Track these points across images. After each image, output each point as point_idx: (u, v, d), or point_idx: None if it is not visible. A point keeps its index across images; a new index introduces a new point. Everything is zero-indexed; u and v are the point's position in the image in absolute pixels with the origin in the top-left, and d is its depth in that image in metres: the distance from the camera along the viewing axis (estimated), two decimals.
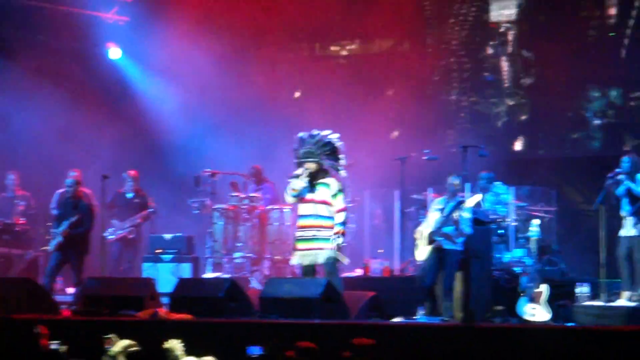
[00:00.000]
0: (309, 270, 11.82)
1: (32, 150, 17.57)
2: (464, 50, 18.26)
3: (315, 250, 11.70)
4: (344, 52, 19.65)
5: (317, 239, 11.71)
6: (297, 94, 19.45)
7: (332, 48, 19.78)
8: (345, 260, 11.91)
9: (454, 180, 12.56)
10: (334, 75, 18.77)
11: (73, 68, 18.38)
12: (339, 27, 19.03)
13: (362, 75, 18.79)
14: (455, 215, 12.32)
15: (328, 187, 11.76)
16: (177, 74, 18.68)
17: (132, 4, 18.89)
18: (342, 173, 11.87)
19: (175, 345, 8.54)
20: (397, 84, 18.46)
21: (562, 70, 17.05)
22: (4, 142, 17.39)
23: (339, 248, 11.69)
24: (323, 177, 11.80)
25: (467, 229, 12.35)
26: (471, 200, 12.60)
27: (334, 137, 11.92)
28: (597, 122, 17.11)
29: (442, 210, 12.51)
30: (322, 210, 11.74)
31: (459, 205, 12.35)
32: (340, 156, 11.90)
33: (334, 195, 11.74)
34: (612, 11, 17.05)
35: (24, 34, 18.21)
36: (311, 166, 11.79)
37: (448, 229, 12.37)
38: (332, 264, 11.70)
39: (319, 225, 11.73)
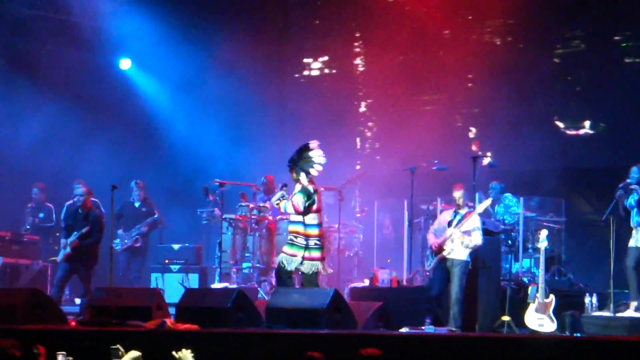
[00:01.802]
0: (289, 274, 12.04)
1: (43, 161, 17.61)
2: None
3: (289, 255, 11.92)
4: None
5: (292, 244, 11.93)
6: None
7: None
8: (323, 270, 12.03)
9: (455, 194, 12.59)
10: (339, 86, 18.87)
11: (84, 78, 18.43)
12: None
13: (372, 87, 18.81)
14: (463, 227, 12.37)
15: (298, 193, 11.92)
16: (188, 85, 18.71)
17: (143, 14, 18.93)
18: (313, 172, 11.91)
19: (185, 355, 8.49)
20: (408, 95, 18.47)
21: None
22: (22, 153, 17.46)
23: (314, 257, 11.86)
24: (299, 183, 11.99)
25: (475, 242, 12.41)
26: (481, 207, 12.62)
27: (312, 143, 12.00)
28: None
29: (450, 222, 12.53)
30: (294, 216, 11.97)
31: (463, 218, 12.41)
32: (314, 157, 11.92)
33: (294, 196, 11.91)
34: None
35: (34, 45, 18.30)
36: (292, 174, 11.97)
37: (457, 239, 12.38)
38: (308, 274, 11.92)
39: (293, 231, 11.97)
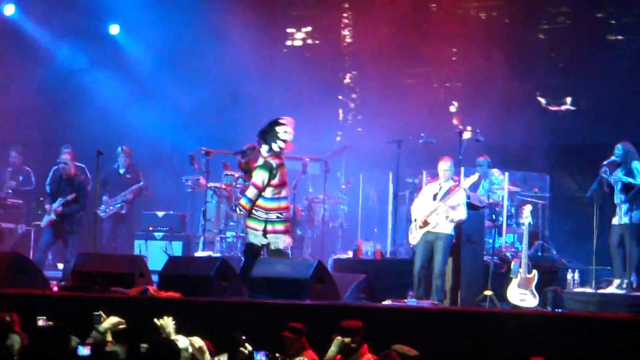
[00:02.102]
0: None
1: (27, 125, 17.57)
2: None
3: (252, 229, 12.00)
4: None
5: (252, 218, 11.99)
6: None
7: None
8: (280, 243, 11.97)
9: (443, 166, 12.58)
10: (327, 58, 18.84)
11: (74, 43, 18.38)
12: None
13: (361, 61, 18.79)
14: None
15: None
16: (176, 51, 18.60)
17: None
18: (275, 147, 11.90)
19: (167, 322, 8.52)
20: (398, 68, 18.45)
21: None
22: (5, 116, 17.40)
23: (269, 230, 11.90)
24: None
25: (460, 215, 12.45)
26: (467, 182, 12.64)
27: (284, 119, 12.03)
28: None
29: (435, 195, 12.53)
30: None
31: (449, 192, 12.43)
32: (279, 133, 11.92)
33: (255, 170, 11.97)
34: None
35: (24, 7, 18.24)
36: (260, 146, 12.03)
37: (442, 213, 12.41)
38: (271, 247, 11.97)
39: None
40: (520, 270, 12.45)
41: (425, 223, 12.45)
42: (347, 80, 19.15)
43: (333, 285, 11.22)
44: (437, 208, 12.41)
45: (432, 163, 13.28)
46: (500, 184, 15.04)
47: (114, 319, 8.88)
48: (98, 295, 10.86)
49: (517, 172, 15.59)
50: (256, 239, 11.92)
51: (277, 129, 11.89)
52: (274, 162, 11.90)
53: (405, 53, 18.05)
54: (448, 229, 12.41)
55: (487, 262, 13.32)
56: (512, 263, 12.69)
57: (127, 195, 16.06)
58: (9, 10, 18.37)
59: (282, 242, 11.90)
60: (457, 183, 12.71)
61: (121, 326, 8.87)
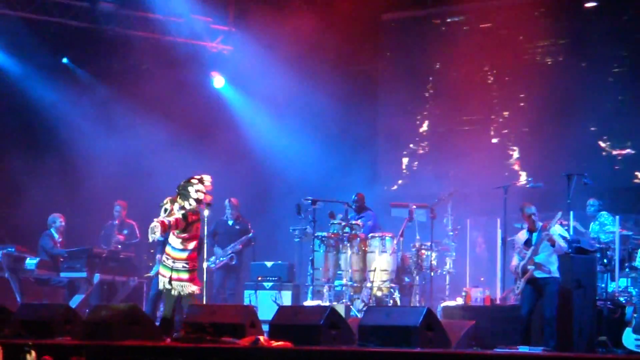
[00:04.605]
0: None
1: (139, 180, 17.90)
2: None
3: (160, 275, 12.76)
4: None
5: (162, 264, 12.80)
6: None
7: None
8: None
9: (528, 211, 12.49)
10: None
11: (179, 97, 18.72)
12: None
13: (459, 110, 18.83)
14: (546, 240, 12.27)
15: None
16: (279, 102, 18.86)
17: (236, 33, 19.20)
18: (186, 205, 12.52)
19: None
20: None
21: None
22: (114, 174, 17.79)
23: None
24: None
25: (563, 244, 12.30)
26: (553, 222, 12.52)
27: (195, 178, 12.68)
28: None
29: (528, 241, 12.46)
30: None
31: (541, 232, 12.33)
32: (191, 192, 12.56)
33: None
34: None
35: (131, 64, 18.64)
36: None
37: (539, 258, 12.30)
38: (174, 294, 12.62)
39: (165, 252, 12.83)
40: (635, 315, 12.20)
41: (525, 271, 12.38)
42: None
43: (443, 332, 11.16)
44: (533, 254, 12.32)
45: (540, 207, 13.15)
46: (612, 224, 14.78)
47: None
48: (209, 346, 10.96)
49: (629, 215, 15.32)
50: (160, 284, 12.66)
51: (189, 189, 12.54)
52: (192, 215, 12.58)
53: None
54: (553, 272, 12.28)
55: (600, 308, 13.08)
56: (626, 308, 12.45)
57: (236, 246, 16.28)
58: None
59: (186, 289, 12.51)
60: (545, 227, 12.56)
61: None
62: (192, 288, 12.52)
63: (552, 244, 12.24)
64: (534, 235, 12.46)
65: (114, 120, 18.46)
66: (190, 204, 12.48)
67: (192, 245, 12.56)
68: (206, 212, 13.37)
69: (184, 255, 12.53)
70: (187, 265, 12.53)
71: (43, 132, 18.52)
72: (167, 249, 12.70)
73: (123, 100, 18.42)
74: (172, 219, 12.42)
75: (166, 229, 12.37)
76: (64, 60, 18.92)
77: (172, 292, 12.55)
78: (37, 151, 18.04)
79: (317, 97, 18.29)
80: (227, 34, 19.33)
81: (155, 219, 12.46)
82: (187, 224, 12.45)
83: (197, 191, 12.51)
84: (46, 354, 9.31)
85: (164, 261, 12.66)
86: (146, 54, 18.52)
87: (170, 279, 12.54)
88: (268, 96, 18.87)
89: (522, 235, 12.70)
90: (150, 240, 12.61)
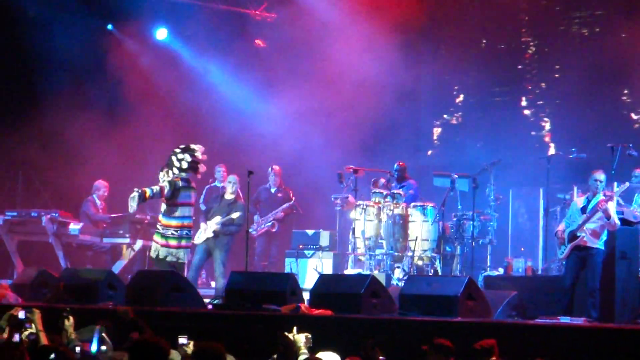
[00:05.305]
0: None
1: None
2: None
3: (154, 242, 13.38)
4: None
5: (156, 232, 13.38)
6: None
7: None
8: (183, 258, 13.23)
9: (598, 177, 12.31)
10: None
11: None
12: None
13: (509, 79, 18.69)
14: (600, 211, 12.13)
15: None
16: (323, 70, 18.77)
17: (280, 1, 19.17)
18: (170, 174, 13.07)
19: (299, 338, 8.34)
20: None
21: None
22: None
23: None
24: None
25: (617, 219, 12.15)
26: (618, 191, 12.40)
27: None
28: None
29: (584, 208, 12.30)
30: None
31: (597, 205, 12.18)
32: (174, 161, 13.15)
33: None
34: None
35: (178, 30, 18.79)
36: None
37: (592, 226, 12.17)
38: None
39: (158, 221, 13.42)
40: None
41: (574, 237, 12.25)
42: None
43: (484, 302, 11.14)
44: (585, 221, 12.18)
45: (583, 178, 13.04)
46: None
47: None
48: (251, 313, 11.02)
49: None
50: (154, 252, 13.20)
51: (172, 157, 13.08)
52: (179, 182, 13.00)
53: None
54: (599, 243, 12.16)
55: None
56: None
57: (278, 214, 16.32)
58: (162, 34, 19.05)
59: (176, 256, 13.12)
60: (608, 197, 12.38)
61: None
62: (180, 254, 13.05)
63: (608, 216, 12.10)
64: (591, 202, 12.31)
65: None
66: (174, 172, 12.89)
67: (180, 211, 13.00)
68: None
69: (173, 222, 12.98)
70: (175, 233, 12.96)
71: (102, 99, 18.71)
72: (159, 216, 13.14)
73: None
74: (156, 187, 12.74)
75: (147, 198, 12.75)
76: (109, 27, 19.00)
77: (167, 258, 13.02)
78: (92, 114, 17.98)
79: (369, 65, 18.14)
80: (271, 1, 19.29)
81: (135, 189, 12.70)
82: (174, 191, 12.78)
83: (179, 160, 12.93)
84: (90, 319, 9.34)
85: (157, 228, 13.12)
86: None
87: (161, 245, 13.04)
88: (311, 64, 18.76)
89: (580, 202, 12.56)
90: (130, 210, 12.93)
